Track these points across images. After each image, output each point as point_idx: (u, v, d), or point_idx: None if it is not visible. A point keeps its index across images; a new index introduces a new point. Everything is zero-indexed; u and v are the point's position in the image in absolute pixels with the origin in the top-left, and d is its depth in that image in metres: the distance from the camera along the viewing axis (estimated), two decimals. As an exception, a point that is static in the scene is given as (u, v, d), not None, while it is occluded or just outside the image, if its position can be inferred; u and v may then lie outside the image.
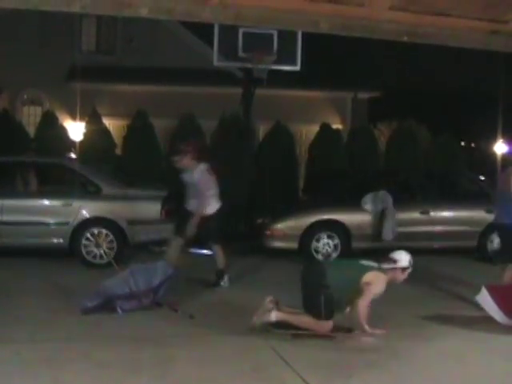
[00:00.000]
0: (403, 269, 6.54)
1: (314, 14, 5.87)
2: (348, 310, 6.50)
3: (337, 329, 6.32)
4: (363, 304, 6.37)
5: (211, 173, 8.62)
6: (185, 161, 8.55)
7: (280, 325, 6.36)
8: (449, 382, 5.30)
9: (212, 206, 8.57)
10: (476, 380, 5.36)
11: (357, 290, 6.36)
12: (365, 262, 6.60)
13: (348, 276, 6.42)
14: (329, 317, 6.24)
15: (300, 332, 6.27)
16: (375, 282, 6.39)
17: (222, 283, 8.64)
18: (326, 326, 6.25)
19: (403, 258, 6.57)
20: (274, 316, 6.35)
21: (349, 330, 6.45)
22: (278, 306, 6.45)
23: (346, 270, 6.60)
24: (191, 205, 8.59)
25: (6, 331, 6.36)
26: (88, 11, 5.87)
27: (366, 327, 6.38)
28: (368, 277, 6.38)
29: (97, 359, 5.60)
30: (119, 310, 7.07)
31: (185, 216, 8.57)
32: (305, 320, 6.33)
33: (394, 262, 6.54)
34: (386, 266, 6.52)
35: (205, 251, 9.85)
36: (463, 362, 5.76)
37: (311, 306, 6.32)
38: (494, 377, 5.47)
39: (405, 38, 6.00)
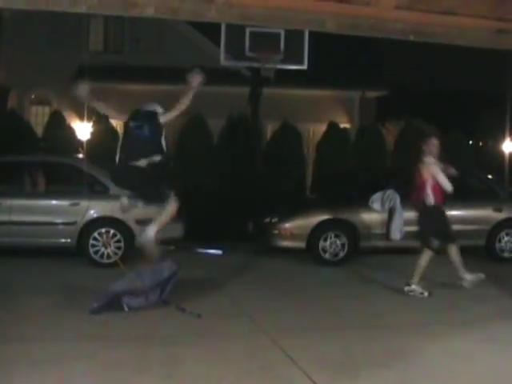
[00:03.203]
0: None
1: (321, 14, 5.88)
2: None
3: None
4: None
5: None
6: None
7: None
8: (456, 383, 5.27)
9: None
10: (483, 381, 5.33)
11: None
12: None
13: None
14: None
15: None
16: None
17: None
18: None
19: None
20: None
21: None
22: None
23: None
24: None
25: (15, 330, 6.40)
26: (94, 11, 5.89)
27: None
28: None
29: (105, 358, 5.62)
30: (126, 308, 7.09)
31: None
32: None
33: None
34: None
35: (212, 251, 9.83)
36: (471, 363, 5.72)
37: None
38: (502, 378, 5.44)
39: (411, 37, 5.99)
